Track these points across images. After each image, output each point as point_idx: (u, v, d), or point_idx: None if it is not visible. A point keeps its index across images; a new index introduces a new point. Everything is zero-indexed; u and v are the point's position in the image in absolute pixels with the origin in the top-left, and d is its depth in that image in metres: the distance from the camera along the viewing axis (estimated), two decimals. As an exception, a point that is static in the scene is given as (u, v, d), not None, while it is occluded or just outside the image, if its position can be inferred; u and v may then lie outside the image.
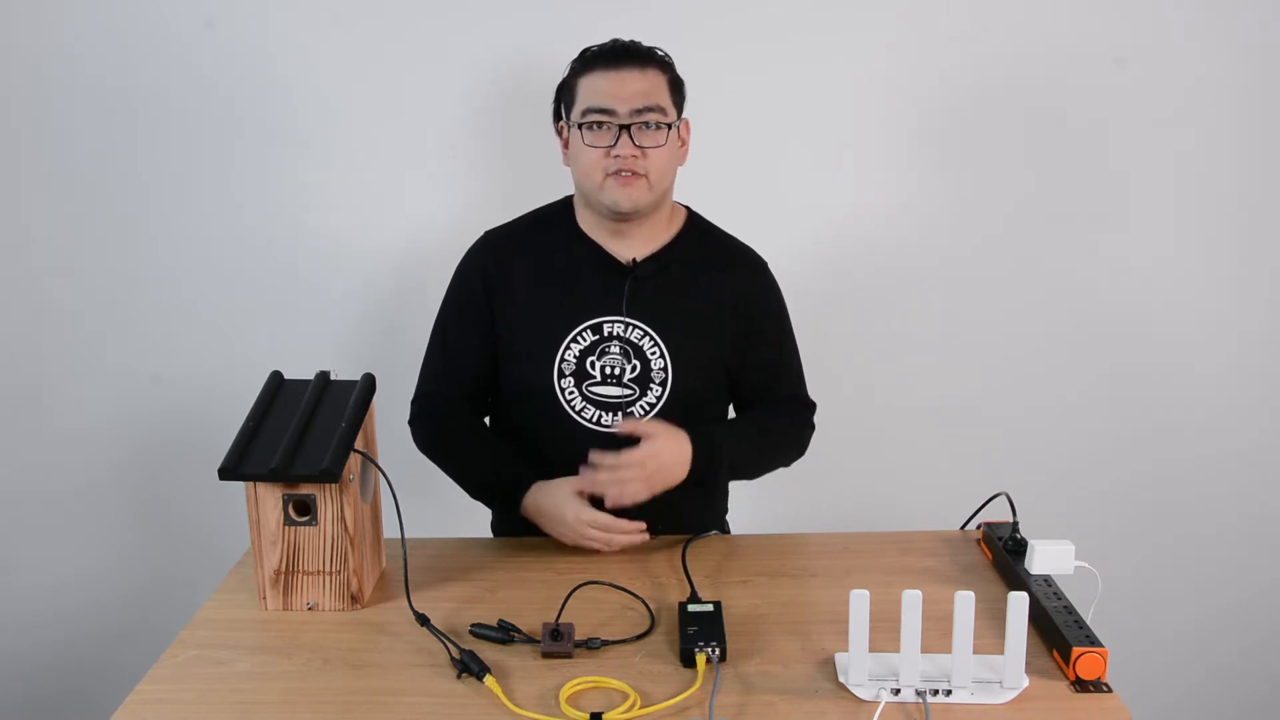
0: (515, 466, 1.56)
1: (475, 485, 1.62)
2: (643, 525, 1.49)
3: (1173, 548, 2.21)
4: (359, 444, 1.38)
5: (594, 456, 1.46)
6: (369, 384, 1.46)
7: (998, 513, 1.52)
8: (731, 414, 1.71)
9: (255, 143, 2.00)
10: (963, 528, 1.59)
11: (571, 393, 1.56)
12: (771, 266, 1.68)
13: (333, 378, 1.49)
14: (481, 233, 1.66)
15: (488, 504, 1.66)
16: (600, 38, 1.56)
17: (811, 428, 1.71)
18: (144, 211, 2.04)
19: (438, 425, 1.64)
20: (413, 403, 1.68)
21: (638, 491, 1.45)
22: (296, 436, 1.35)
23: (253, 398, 1.44)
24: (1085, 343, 2.11)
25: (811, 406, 1.72)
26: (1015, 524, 1.48)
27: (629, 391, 1.56)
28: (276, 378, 1.49)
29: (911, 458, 2.14)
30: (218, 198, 2.03)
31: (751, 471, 1.67)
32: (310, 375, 1.48)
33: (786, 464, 1.68)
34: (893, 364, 2.11)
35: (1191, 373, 2.13)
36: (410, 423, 1.66)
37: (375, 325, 2.08)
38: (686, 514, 1.59)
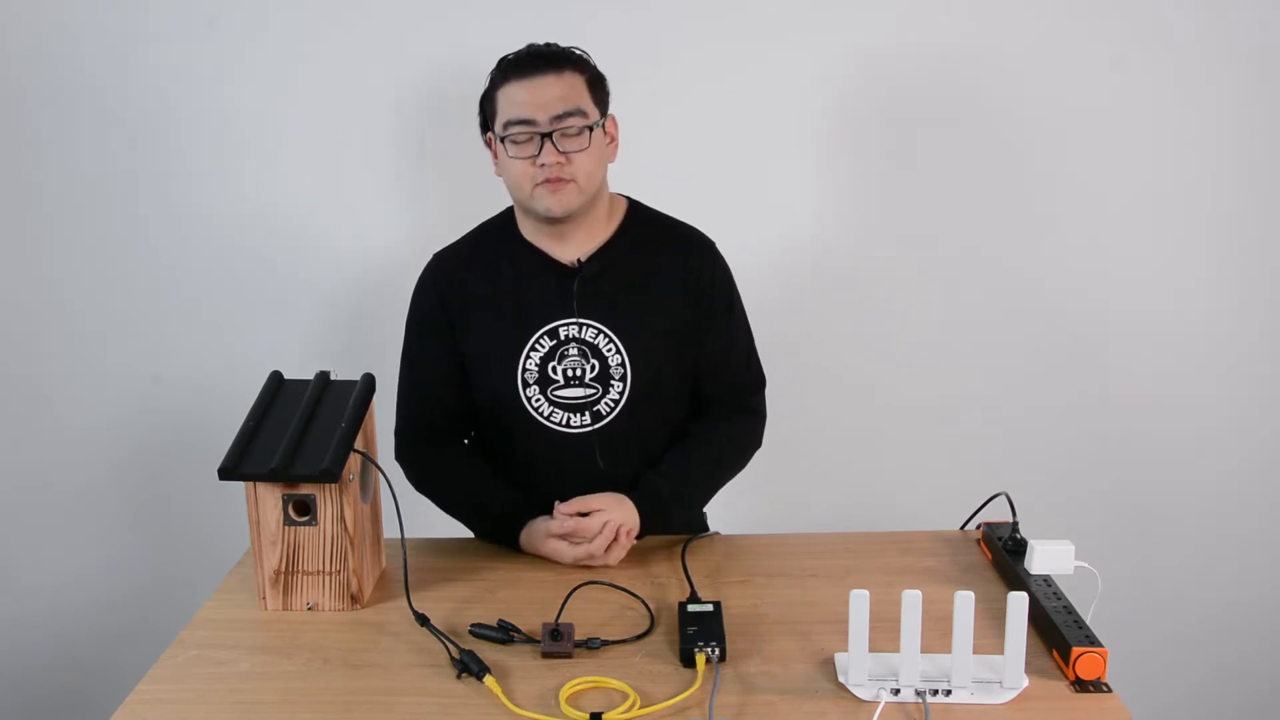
0: (506, 505, 1.56)
1: (473, 529, 1.64)
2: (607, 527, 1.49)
3: (1173, 548, 2.21)
4: (359, 444, 1.38)
5: (561, 526, 1.49)
6: (369, 384, 1.46)
7: (998, 513, 1.52)
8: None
9: (256, 142, 2.00)
10: (963, 528, 1.59)
11: (538, 400, 1.56)
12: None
13: (333, 378, 1.49)
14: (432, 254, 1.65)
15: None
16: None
17: (761, 418, 1.68)
18: (144, 211, 2.04)
19: (425, 468, 1.63)
20: (396, 437, 1.66)
21: (617, 556, 1.50)
22: (296, 436, 1.35)
23: (253, 398, 1.44)
24: (1086, 342, 2.10)
25: (761, 385, 1.69)
26: (1015, 524, 1.48)
27: (592, 391, 1.56)
28: (276, 378, 1.49)
29: (911, 458, 2.13)
30: (218, 197, 2.03)
31: (703, 503, 1.69)
32: (310, 375, 1.49)
33: (741, 469, 1.67)
34: (892, 364, 2.11)
35: (1192, 373, 2.12)
36: (398, 459, 1.65)
37: (375, 326, 2.07)
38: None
